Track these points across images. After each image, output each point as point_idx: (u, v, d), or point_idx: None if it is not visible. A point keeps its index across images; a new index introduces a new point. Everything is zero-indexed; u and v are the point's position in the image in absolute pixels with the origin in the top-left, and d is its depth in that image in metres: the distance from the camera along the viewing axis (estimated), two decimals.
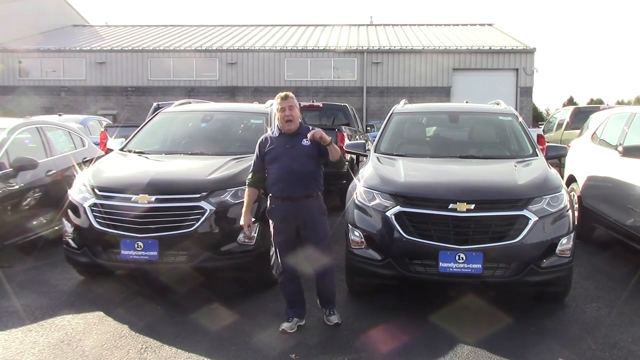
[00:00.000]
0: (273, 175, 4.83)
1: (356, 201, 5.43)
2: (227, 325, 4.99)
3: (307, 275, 5.11)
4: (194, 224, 5.34)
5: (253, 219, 5.08)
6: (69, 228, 5.70)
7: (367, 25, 39.01)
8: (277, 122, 4.98)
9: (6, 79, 32.21)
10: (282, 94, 4.90)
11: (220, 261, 5.49)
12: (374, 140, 7.04)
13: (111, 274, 6.09)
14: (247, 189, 4.99)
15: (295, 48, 32.04)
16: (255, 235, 5.55)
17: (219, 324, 5.01)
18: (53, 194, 7.35)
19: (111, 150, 7.12)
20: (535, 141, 6.77)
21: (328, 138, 4.70)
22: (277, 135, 4.92)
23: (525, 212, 5.01)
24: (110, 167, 6.19)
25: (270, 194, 4.90)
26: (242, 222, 4.95)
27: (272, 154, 4.84)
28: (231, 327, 4.96)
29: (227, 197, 5.52)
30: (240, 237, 5.50)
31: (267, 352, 4.49)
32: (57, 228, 7.32)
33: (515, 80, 30.75)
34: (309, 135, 4.68)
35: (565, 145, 8.20)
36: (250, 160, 6.10)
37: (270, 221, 4.95)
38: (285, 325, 4.88)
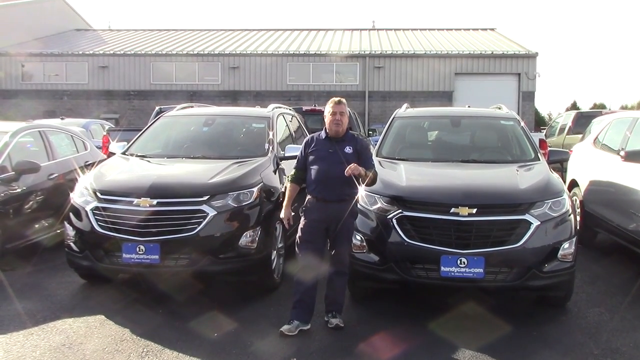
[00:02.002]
0: (312, 175, 5.01)
1: (358, 205, 5.42)
2: (228, 330, 4.98)
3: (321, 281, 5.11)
4: (195, 228, 5.34)
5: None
6: (70, 232, 5.71)
7: (369, 29, 39.02)
8: (325, 125, 5.13)
9: (9, 83, 32.25)
10: (336, 99, 5.11)
11: (222, 265, 5.49)
12: (375, 145, 7.03)
13: (113, 278, 6.09)
14: (289, 185, 5.21)
15: (298, 52, 32.06)
16: (257, 239, 5.55)
17: (220, 328, 5.01)
18: (55, 197, 7.36)
19: (113, 154, 7.12)
20: (537, 146, 6.77)
21: (362, 171, 4.81)
22: (323, 137, 5.09)
23: (527, 217, 5.00)
24: (112, 170, 6.20)
25: (308, 192, 5.07)
26: (282, 215, 5.16)
27: (314, 156, 5.03)
28: (232, 331, 4.96)
29: (229, 201, 5.52)
30: (242, 241, 5.49)
31: (268, 357, 4.49)
32: (58, 232, 7.33)
33: (517, 84, 30.72)
34: (345, 173, 4.77)
35: (567, 150, 8.20)
36: (251, 165, 6.16)
37: (302, 219, 5.06)
38: (284, 328, 4.87)
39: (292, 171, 5.23)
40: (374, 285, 5.60)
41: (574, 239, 5.18)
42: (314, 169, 5.00)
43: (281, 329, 4.86)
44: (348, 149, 4.97)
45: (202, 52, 32.28)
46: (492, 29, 38.76)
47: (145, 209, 5.35)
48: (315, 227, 4.97)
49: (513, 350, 4.63)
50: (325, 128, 5.09)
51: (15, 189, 6.86)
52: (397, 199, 5.20)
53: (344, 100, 5.10)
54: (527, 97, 30.71)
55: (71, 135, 8.83)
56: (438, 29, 38.93)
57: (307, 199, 5.07)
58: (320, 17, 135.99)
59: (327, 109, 5.08)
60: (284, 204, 5.17)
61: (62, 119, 16.64)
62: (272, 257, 5.89)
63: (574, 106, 43.06)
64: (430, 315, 5.22)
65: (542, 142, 10.80)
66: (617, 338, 4.89)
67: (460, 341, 4.72)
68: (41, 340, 4.75)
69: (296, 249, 5.06)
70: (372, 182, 5.05)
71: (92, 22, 43.52)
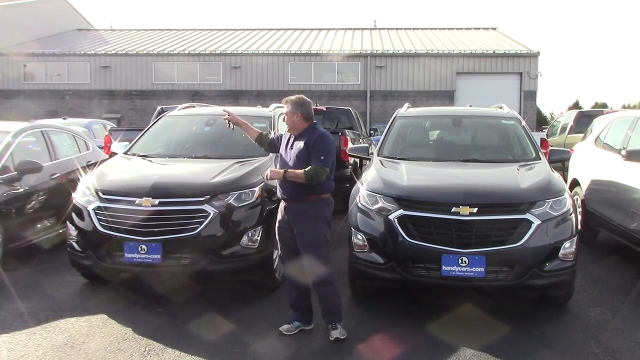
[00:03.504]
0: None
1: (359, 204, 5.44)
2: (229, 329, 4.99)
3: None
4: (197, 227, 5.35)
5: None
6: (73, 231, 5.73)
7: (371, 29, 39.01)
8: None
9: (11, 83, 32.29)
10: (286, 98, 4.99)
11: (223, 264, 5.51)
12: (377, 144, 7.04)
13: (115, 277, 6.10)
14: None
15: (299, 52, 32.05)
16: (259, 238, 5.56)
17: (221, 327, 5.03)
18: (57, 197, 7.38)
19: (115, 153, 7.14)
20: (539, 145, 6.77)
21: (278, 174, 4.70)
22: (287, 134, 5.05)
23: (528, 216, 5.01)
24: (114, 170, 6.22)
25: None
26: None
27: (280, 150, 5.01)
28: (233, 330, 4.97)
29: (231, 200, 5.54)
30: (244, 240, 5.51)
31: (269, 356, 4.50)
32: (61, 231, 7.35)
33: (519, 84, 30.69)
34: (262, 176, 4.76)
35: (568, 149, 8.20)
36: (252, 165, 6.18)
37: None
38: (283, 327, 4.88)
39: (270, 136, 5.32)
40: (375, 285, 5.60)
41: (575, 238, 5.19)
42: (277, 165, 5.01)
43: (280, 328, 4.88)
44: (300, 144, 4.77)
45: (203, 52, 32.28)
46: (494, 28, 38.72)
47: (147, 208, 5.36)
48: (283, 229, 4.89)
49: (514, 350, 4.64)
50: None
51: (18, 189, 6.88)
52: (399, 199, 5.20)
53: (292, 98, 4.90)
54: (528, 97, 30.67)
55: (73, 135, 8.85)
56: (439, 29, 38.91)
57: None
58: (322, 17, 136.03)
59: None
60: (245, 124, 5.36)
61: (64, 119, 16.66)
62: (274, 257, 5.90)
63: (575, 105, 42.99)
64: (431, 315, 5.23)
65: (543, 141, 10.81)
66: (618, 337, 4.90)
67: (461, 341, 4.73)
68: (44, 339, 4.77)
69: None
70: (310, 178, 4.61)
71: (93, 22, 43.55)
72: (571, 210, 5.29)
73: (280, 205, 4.95)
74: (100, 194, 5.63)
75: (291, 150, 4.86)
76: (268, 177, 4.76)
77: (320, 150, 4.73)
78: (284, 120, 5.03)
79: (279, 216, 4.92)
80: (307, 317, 4.96)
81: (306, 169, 4.64)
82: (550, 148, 7.47)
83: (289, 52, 32.11)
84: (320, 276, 4.75)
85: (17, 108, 28.33)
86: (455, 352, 4.56)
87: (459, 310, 5.33)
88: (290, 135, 4.97)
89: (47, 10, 36.93)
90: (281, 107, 8.22)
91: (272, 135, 5.41)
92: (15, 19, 33.31)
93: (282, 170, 4.72)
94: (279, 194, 4.90)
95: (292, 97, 4.96)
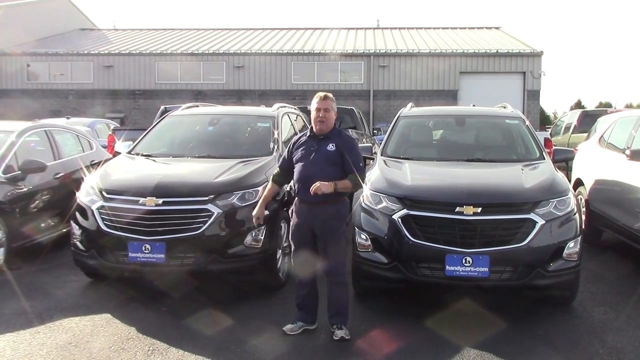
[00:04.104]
0: (295, 175, 4.85)
1: (363, 204, 5.43)
2: (233, 329, 4.99)
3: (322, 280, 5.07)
4: (200, 227, 5.35)
5: (265, 212, 5.05)
6: (76, 230, 5.74)
7: (374, 29, 38.99)
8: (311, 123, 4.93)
9: (15, 82, 32.36)
10: (322, 94, 4.85)
11: (227, 264, 5.51)
12: (380, 144, 7.03)
13: (119, 277, 6.11)
14: (269, 184, 5.07)
15: (302, 51, 32.04)
16: (262, 238, 5.56)
17: (225, 326, 5.02)
18: (61, 196, 7.39)
19: (119, 153, 7.15)
20: (542, 144, 6.76)
21: (329, 188, 4.56)
22: (308, 135, 4.91)
23: (532, 216, 5.00)
24: (118, 169, 6.22)
25: (294, 194, 4.95)
26: (254, 212, 4.95)
27: (298, 155, 4.86)
28: (237, 330, 4.97)
29: (234, 200, 5.54)
30: (247, 239, 5.51)
31: (272, 356, 4.50)
32: (64, 230, 7.36)
33: (522, 83, 30.64)
34: (310, 190, 4.56)
35: (572, 149, 8.18)
36: (256, 164, 6.17)
37: (291, 222, 4.94)
38: (287, 327, 4.88)
39: (276, 170, 5.10)
40: (378, 285, 5.59)
41: (579, 238, 5.18)
42: (296, 168, 4.83)
43: (284, 328, 4.87)
44: (331, 147, 4.72)
45: (206, 52, 32.30)
46: (497, 28, 38.67)
47: (151, 208, 5.37)
48: (302, 231, 4.80)
49: (517, 349, 4.63)
50: (312, 126, 4.90)
51: (22, 188, 6.90)
52: (402, 198, 5.20)
53: (330, 95, 4.84)
54: (532, 96, 30.63)
55: (77, 135, 8.87)
56: (442, 28, 38.86)
57: (294, 201, 4.93)
58: (325, 16, 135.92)
59: (312, 105, 4.83)
60: (259, 202, 5.02)
61: (67, 118, 16.69)
62: (277, 256, 5.90)
63: (578, 105, 42.88)
64: (434, 314, 5.22)
65: (547, 141, 10.80)
66: (622, 337, 4.88)
67: (464, 340, 4.72)
68: (48, 338, 4.77)
69: (290, 253, 4.99)
70: (354, 187, 4.77)
71: (97, 22, 43.61)
72: (575, 210, 5.28)
73: (297, 207, 4.84)
74: (104, 193, 5.64)
75: (316, 154, 4.74)
76: (320, 192, 4.55)
77: (357, 155, 4.82)
78: (315, 119, 4.79)
79: (297, 218, 4.84)
80: (311, 317, 4.96)
81: (352, 178, 4.67)
82: (554, 147, 7.46)
83: (292, 51, 32.10)
84: (338, 277, 4.79)
85: (21, 107, 28.39)
86: (458, 351, 4.55)
87: (462, 309, 5.32)
88: (306, 138, 4.87)
89: (50, 10, 36.99)
90: (284, 106, 8.25)
91: (278, 166, 5.13)
92: (19, 18, 33.36)
93: (332, 184, 4.58)
94: (301, 196, 4.78)
95: (329, 94, 4.86)
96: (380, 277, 5.29)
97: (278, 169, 5.08)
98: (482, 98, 22.81)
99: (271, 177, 5.13)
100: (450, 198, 5.08)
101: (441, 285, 5.23)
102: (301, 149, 4.86)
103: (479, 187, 5.32)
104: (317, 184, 4.55)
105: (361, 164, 4.83)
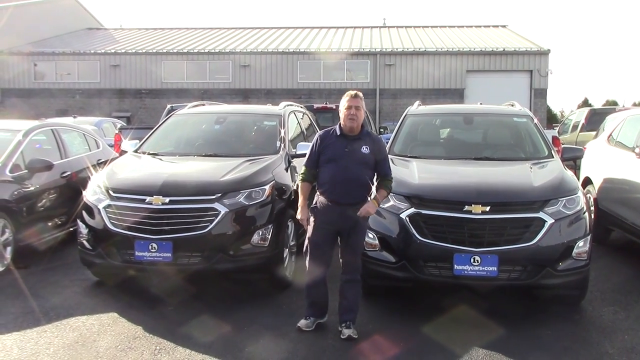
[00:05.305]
0: (326, 175, 4.76)
1: None
2: (240, 328, 4.97)
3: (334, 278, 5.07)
4: (207, 226, 5.34)
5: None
6: (83, 229, 5.73)
7: (380, 27, 38.90)
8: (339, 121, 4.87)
9: (22, 82, 32.45)
10: (352, 92, 4.81)
11: (234, 263, 5.49)
12: (387, 142, 7.00)
13: (125, 276, 6.10)
14: (300, 184, 4.97)
15: (308, 50, 31.99)
16: (270, 237, 5.54)
17: (233, 325, 5.01)
18: (67, 195, 7.40)
19: (125, 152, 7.15)
20: (551, 143, 6.71)
21: (374, 208, 4.76)
22: (337, 134, 4.82)
23: (541, 215, 4.96)
24: (125, 168, 6.22)
25: (319, 192, 4.83)
26: (299, 216, 4.90)
27: (329, 154, 4.77)
28: (244, 329, 4.95)
29: (241, 198, 5.52)
30: (255, 238, 5.49)
31: (279, 354, 4.48)
32: (71, 229, 7.36)
33: (529, 82, 30.50)
34: (359, 214, 4.66)
35: (581, 147, 8.13)
36: (262, 163, 6.14)
37: (311, 219, 4.83)
38: (301, 323, 4.86)
39: (303, 169, 4.95)
40: (386, 284, 5.56)
41: (589, 237, 5.13)
42: (328, 168, 4.74)
43: (298, 324, 4.86)
44: (365, 149, 4.72)
45: (212, 51, 32.30)
46: (504, 26, 38.51)
47: (158, 207, 5.36)
48: (326, 230, 4.76)
49: (526, 349, 4.59)
50: (340, 124, 4.84)
51: (29, 187, 6.90)
52: (410, 197, 5.17)
53: (360, 94, 4.79)
54: (539, 94, 30.48)
55: (83, 134, 8.88)
56: (449, 26, 38.71)
57: (317, 199, 4.85)
58: (331, 15, 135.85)
59: (342, 103, 4.80)
60: (300, 204, 4.88)
61: (74, 117, 16.72)
62: (284, 255, 5.89)
63: (585, 103, 42.72)
64: (442, 314, 5.18)
65: (555, 139, 10.72)
66: (632, 336, 4.84)
67: (472, 340, 4.69)
68: (55, 337, 4.77)
69: (304, 250, 4.92)
70: (388, 193, 4.92)
71: (103, 22, 43.68)
72: (585, 208, 5.24)
73: (325, 207, 4.74)
74: (111, 192, 5.63)
75: (351, 155, 4.70)
76: (369, 215, 4.74)
77: (387, 158, 4.93)
78: (345, 117, 4.73)
79: (324, 217, 4.75)
80: (323, 312, 4.96)
81: (387, 185, 4.83)
82: (562, 146, 7.40)
83: (298, 50, 32.07)
84: (355, 275, 4.83)
85: (28, 107, 28.52)
86: (466, 351, 4.52)
87: (470, 309, 5.28)
88: (335, 138, 4.79)
89: (57, 9, 37.08)
90: (291, 105, 8.23)
91: (304, 165, 4.96)
92: (26, 18, 33.47)
93: (375, 202, 4.76)
94: (331, 196, 4.71)
95: (359, 93, 4.82)
96: (387, 276, 5.26)
97: (305, 168, 4.93)
98: (488, 96, 22.73)
99: (300, 176, 4.99)
100: (459, 197, 5.05)
101: (449, 285, 5.19)
102: (332, 148, 4.77)
103: (487, 185, 5.29)
104: (368, 208, 4.69)
105: (389, 168, 4.92)
